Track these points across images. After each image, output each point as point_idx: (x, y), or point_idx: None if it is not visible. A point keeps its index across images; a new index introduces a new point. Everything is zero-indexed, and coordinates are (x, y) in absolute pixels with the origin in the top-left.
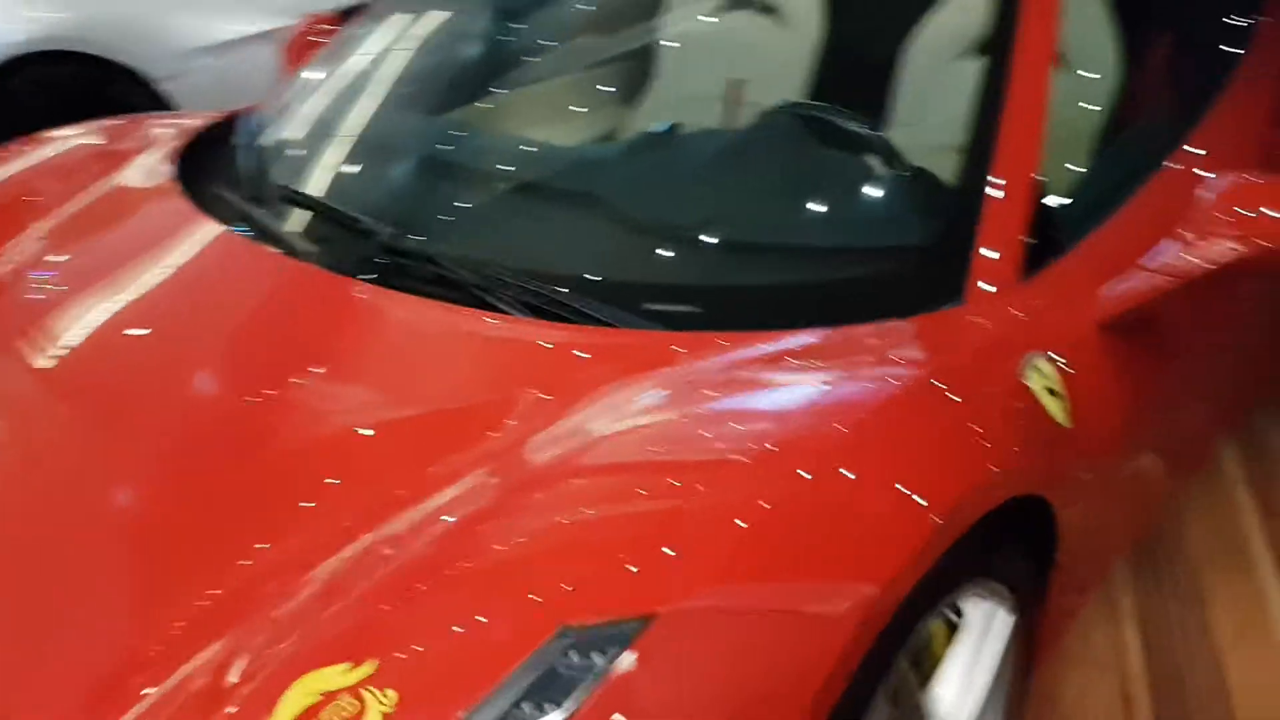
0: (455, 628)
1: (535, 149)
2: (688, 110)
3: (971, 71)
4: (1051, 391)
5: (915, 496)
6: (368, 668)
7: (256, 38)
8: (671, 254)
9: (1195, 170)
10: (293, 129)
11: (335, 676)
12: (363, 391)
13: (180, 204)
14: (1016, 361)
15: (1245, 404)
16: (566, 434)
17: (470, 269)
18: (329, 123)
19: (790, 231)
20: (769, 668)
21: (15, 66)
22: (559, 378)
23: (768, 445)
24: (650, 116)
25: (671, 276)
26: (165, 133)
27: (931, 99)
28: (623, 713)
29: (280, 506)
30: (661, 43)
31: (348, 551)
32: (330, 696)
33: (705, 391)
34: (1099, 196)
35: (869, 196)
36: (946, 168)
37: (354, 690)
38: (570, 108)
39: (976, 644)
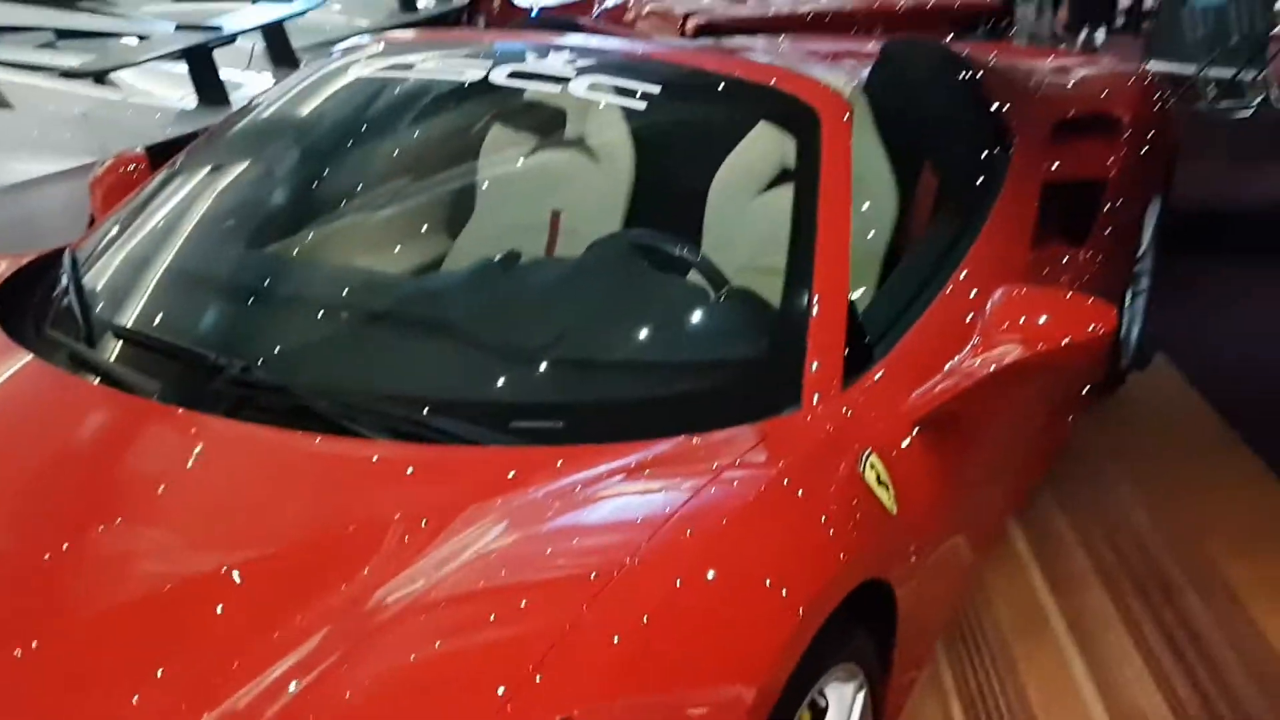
0: None
1: (377, 278)
2: (511, 239)
3: (771, 203)
4: (881, 483)
5: (779, 591)
6: None
7: (51, 178)
8: (523, 374)
9: (973, 285)
10: (125, 267)
11: None
12: (196, 536)
13: (8, 349)
14: (853, 458)
15: (1027, 486)
16: (428, 565)
17: (319, 396)
18: (163, 259)
19: (633, 349)
20: None
21: None
22: (413, 502)
23: (632, 558)
24: (475, 245)
25: (524, 395)
26: None
27: (737, 227)
28: None
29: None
30: (483, 176)
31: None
32: None
33: (563, 507)
34: (896, 311)
35: (705, 315)
36: (764, 288)
37: None
38: (398, 238)
39: None
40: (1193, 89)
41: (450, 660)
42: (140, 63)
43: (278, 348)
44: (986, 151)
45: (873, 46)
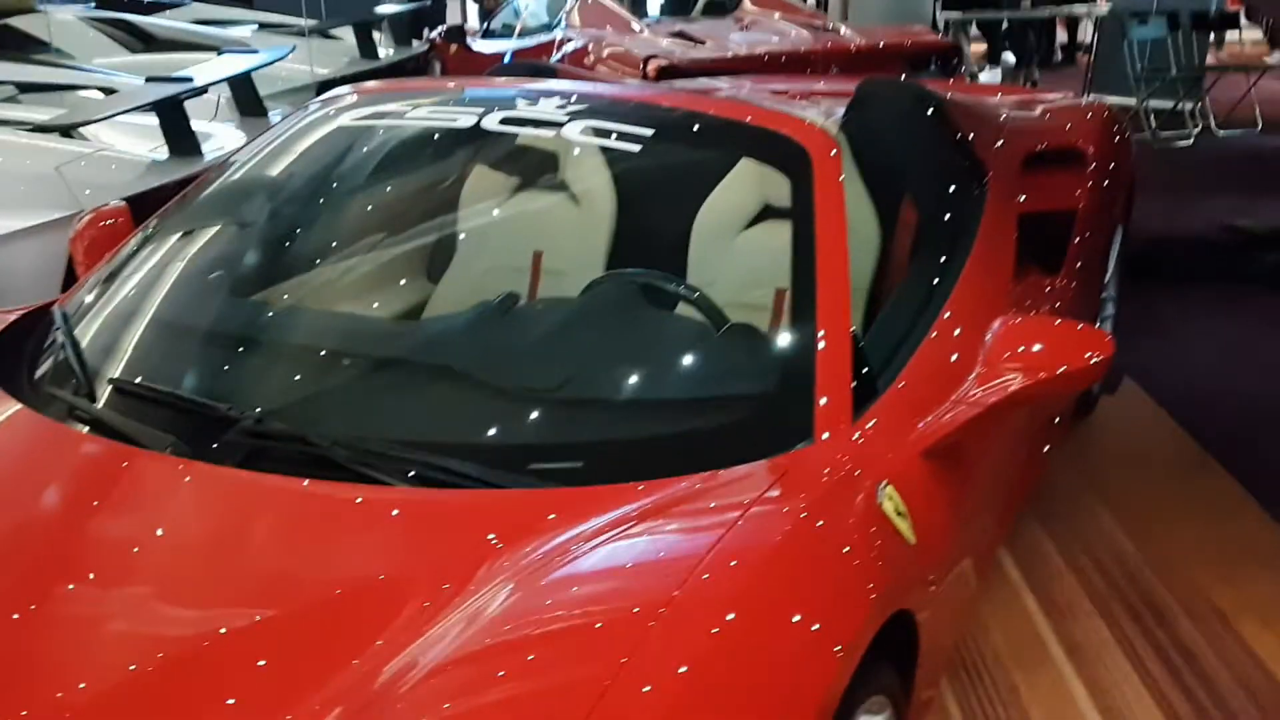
0: None
1: (382, 324)
2: (493, 281)
3: (755, 240)
4: (899, 514)
5: (817, 631)
6: None
7: (23, 232)
8: (539, 415)
9: (964, 316)
10: (121, 321)
11: None
12: (217, 593)
13: (13, 409)
14: (870, 490)
15: (1014, 513)
16: (461, 618)
17: (334, 444)
18: (161, 312)
19: (645, 388)
20: None
21: None
22: (439, 549)
23: (668, 606)
24: (457, 289)
25: (542, 437)
26: None
27: (721, 265)
28: None
29: None
30: (468, 221)
31: None
32: None
33: (592, 553)
34: (893, 344)
35: (712, 352)
36: (755, 324)
37: None
38: (393, 283)
39: None
40: (1134, 120)
41: (495, 713)
42: (114, 115)
43: (287, 397)
44: (965, 186)
45: (827, 85)
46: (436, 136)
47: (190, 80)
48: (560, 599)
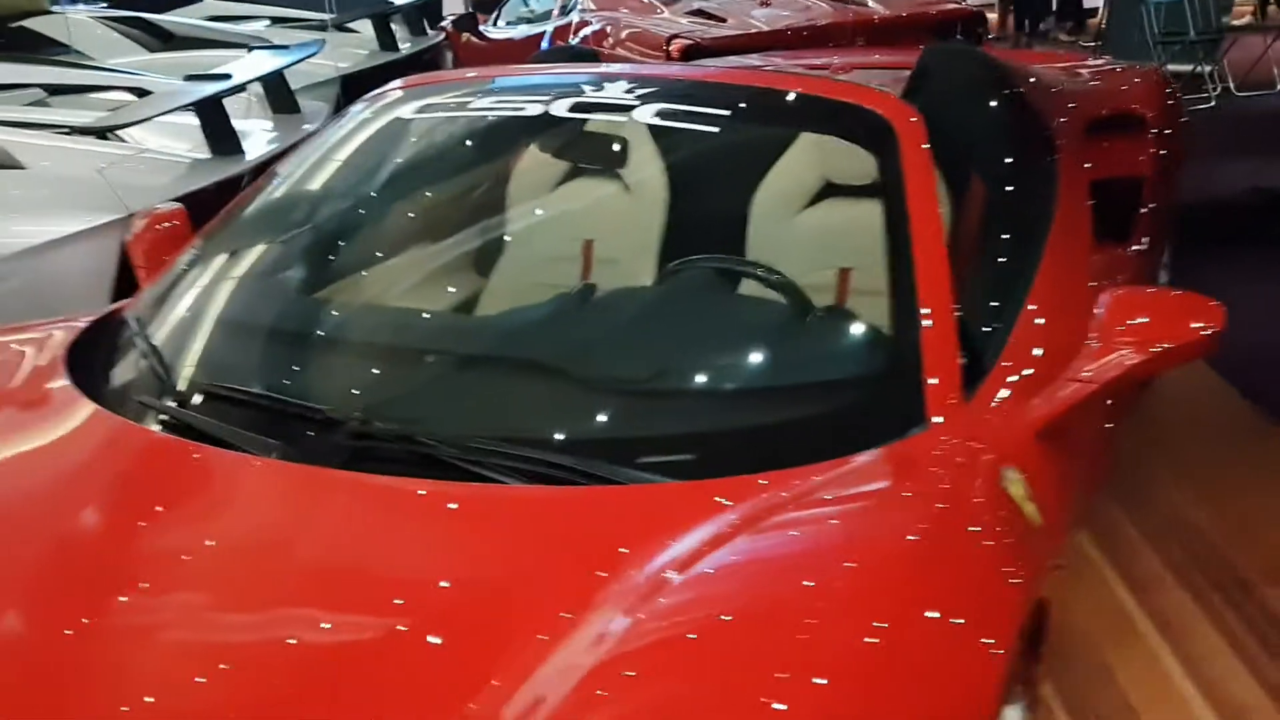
0: None
1: (463, 321)
2: (549, 272)
3: (818, 218)
4: (1025, 496)
5: (972, 629)
6: None
7: (72, 238)
8: (650, 407)
9: (1057, 290)
10: (202, 325)
11: None
12: (361, 595)
13: (110, 422)
14: (993, 474)
15: (1100, 488)
16: (608, 616)
17: (443, 443)
18: (244, 315)
19: (750, 375)
20: None
21: None
22: (575, 546)
23: (825, 601)
24: (512, 281)
25: (655, 429)
26: (30, 350)
27: (782, 246)
28: None
29: None
30: (512, 212)
31: None
32: None
33: (731, 546)
34: (989, 321)
35: (811, 337)
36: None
37: None
38: (456, 277)
39: None
40: None
41: (680, 691)
42: (156, 116)
43: (382, 397)
44: (1039, 155)
45: (862, 58)
46: (506, 126)
47: (229, 78)
48: (700, 601)
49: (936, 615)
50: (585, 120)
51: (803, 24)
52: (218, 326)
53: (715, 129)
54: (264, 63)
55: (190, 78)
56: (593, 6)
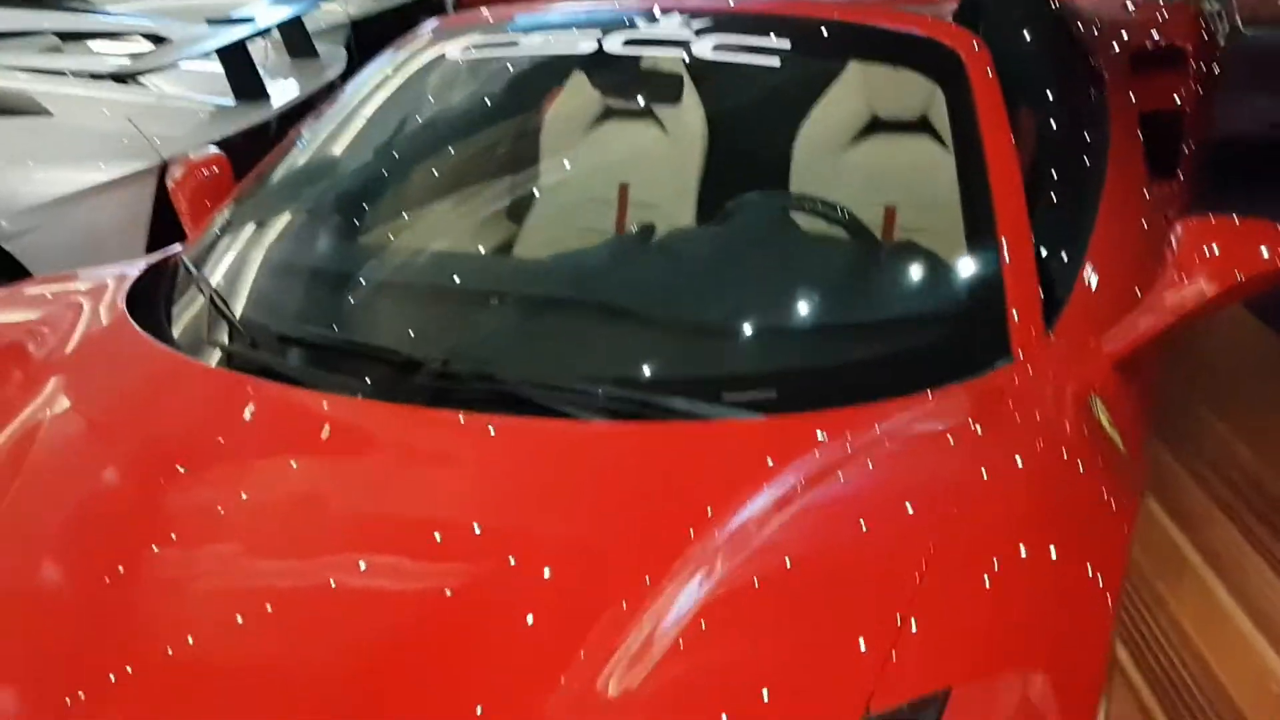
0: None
1: (525, 263)
2: (587, 213)
3: (870, 153)
4: (1111, 425)
5: (1084, 561)
6: None
7: (105, 186)
8: (731, 344)
9: (1121, 222)
10: (266, 269)
11: None
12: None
13: (181, 363)
14: (1084, 405)
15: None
16: (736, 541)
17: (529, 383)
18: (309, 260)
19: (827, 312)
20: None
21: None
22: (689, 478)
23: (944, 532)
24: (548, 226)
25: (739, 366)
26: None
27: (831, 181)
28: None
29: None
30: (547, 154)
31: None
32: None
33: (841, 477)
34: (1062, 253)
35: (890, 273)
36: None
37: None
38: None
39: None
40: None
41: (802, 631)
42: (181, 60)
43: (457, 339)
44: (1091, 88)
45: None
46: (559, 64)
47: (252, 21)
48: (804, 537)
49: (1047, 550)
50: (638, 58)
51: None
52: (284, 270)
53: (773, 62)
54: (280, 6)
55: (212, 22)
56: None
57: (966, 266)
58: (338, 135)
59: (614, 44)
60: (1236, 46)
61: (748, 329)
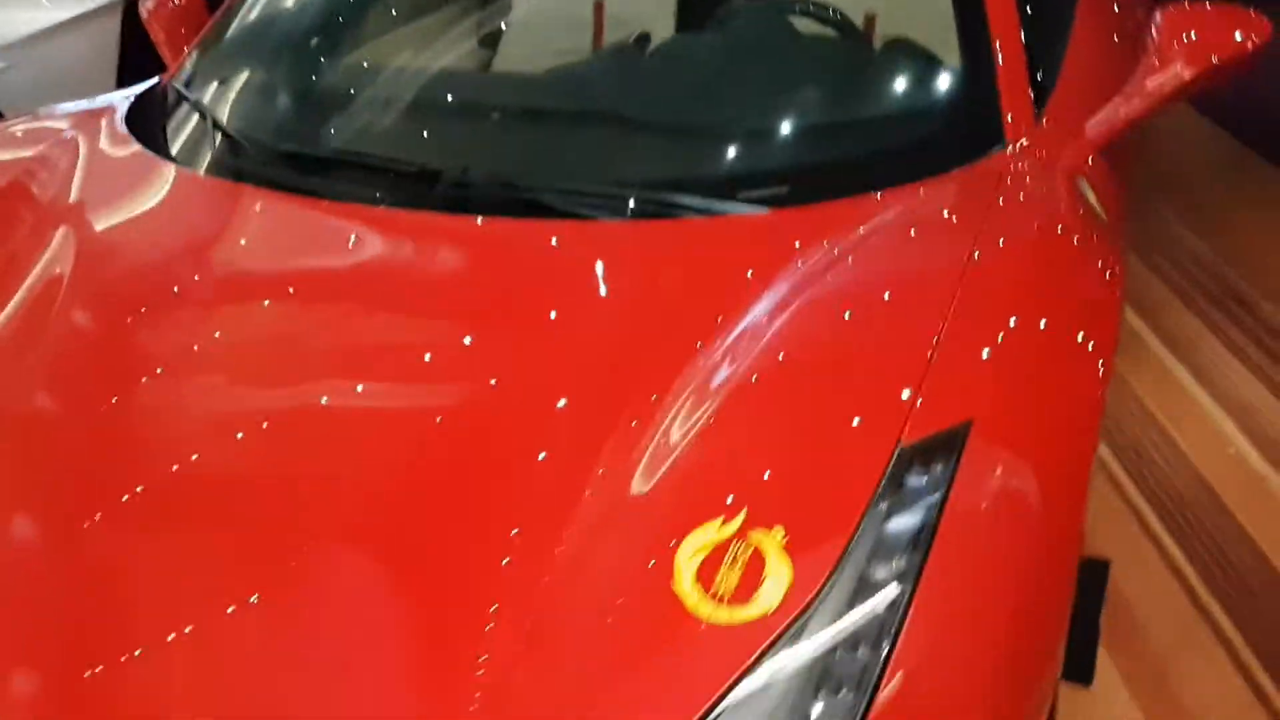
0: (802, 462)
1: (523, 77)
2: (563, 31)
3: None
4: (1097, 204)
5: (1085, 340)
6: (739, 518)
7: (72, 23)
8: (740, 145)
9: (1095, 11)
10: (263, 88)
11: (713, 533)
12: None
13: (198, 180)
14: (1073, 185)
15: None
16: (786, 309)
17: (546, 190)
18: (305, 75)
19: (833, 109)
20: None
21: None
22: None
23: (954, 296)
24: (525, 43)
25: (753, 164)
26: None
27: None
28: (976, 509)
29: (574, 417)
30: None
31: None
32: (722, 546)
33: (862, 252)
34: (1043, 44)
35: (883, 70)
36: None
37: (740, 535)
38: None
39: None
40: None
41: (831, 388)
42: None
43: (479, 150)
44: None
45: None
46: None
47: None
48: (854, 290)
49: (1050, 316)
50: None
51: None
52: (285, 88)
53: None
54: None
55: None
56: None
57: (958, 58)
58: None
59: None
60: None
61: (751, 128)
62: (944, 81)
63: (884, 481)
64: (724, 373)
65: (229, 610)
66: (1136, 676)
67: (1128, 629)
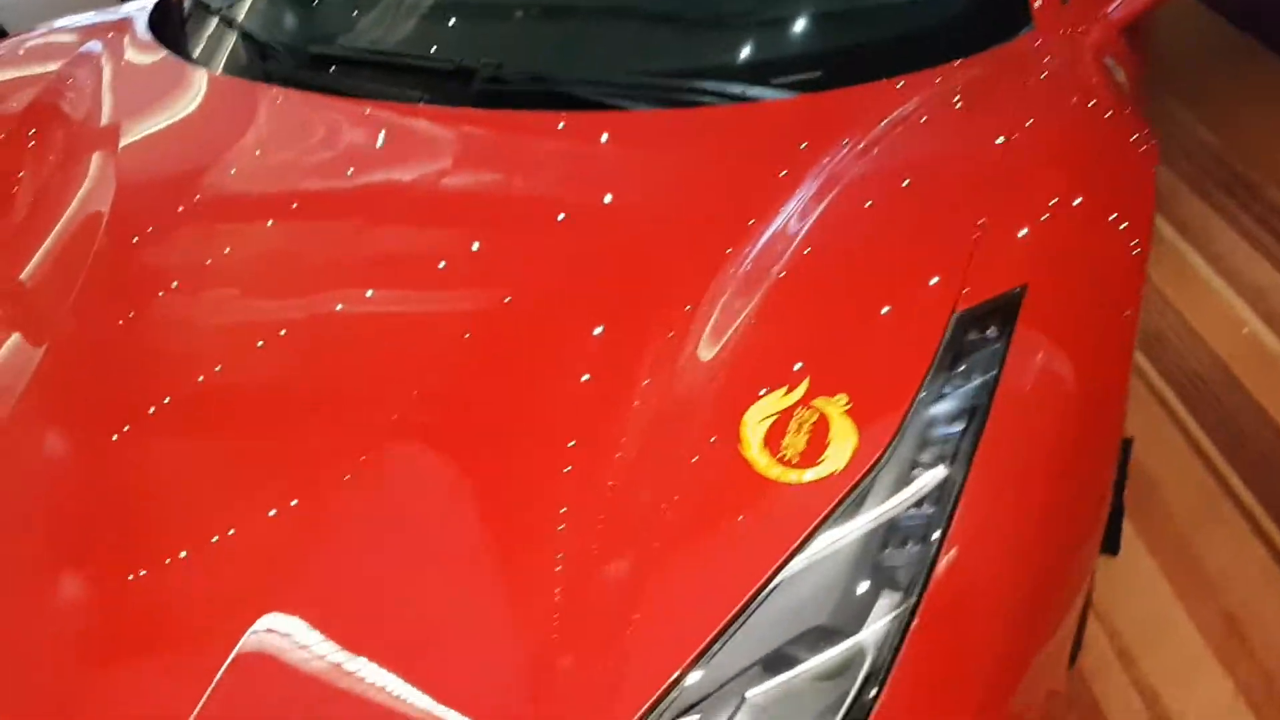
0: (860, 333)
1: None
2: None
3: None
4: (1125, 80)
5: (1128, 215)
6: (803, 386)
7: None
8: (767, 32)
9: None
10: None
11: (777, 402)
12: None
13: (231, 84)
14: (1102, 65)
15: None
16: (831, 190)
17: (581, 83)
18: None
19: None
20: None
21: None
22: (753, 153)
23: (998, 168)
24: None
25: (789, 48)
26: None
27: None
28: (1031, 377)
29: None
30: None
31: (715, 302)
32: (786, 413)
33: (904, 132)
34: None
35: None
36: None
37: (804, 403)
38: None
39: None
40: None
41: (885, 259)
42: None
43: (506, 46)
44: None
45: None
46: None
47: None
48: (900, 166)
49: (1091, 191)
50: None
51: None
52: None
53: None
54: None
55: None
56: None
57: None
58: None
59: None
60: None
61: (778, 12)
62: None
63: (942, 347)
64: (770, 260)
65: (293, 504)
66: (1161, 548)
67: (1151, 503)
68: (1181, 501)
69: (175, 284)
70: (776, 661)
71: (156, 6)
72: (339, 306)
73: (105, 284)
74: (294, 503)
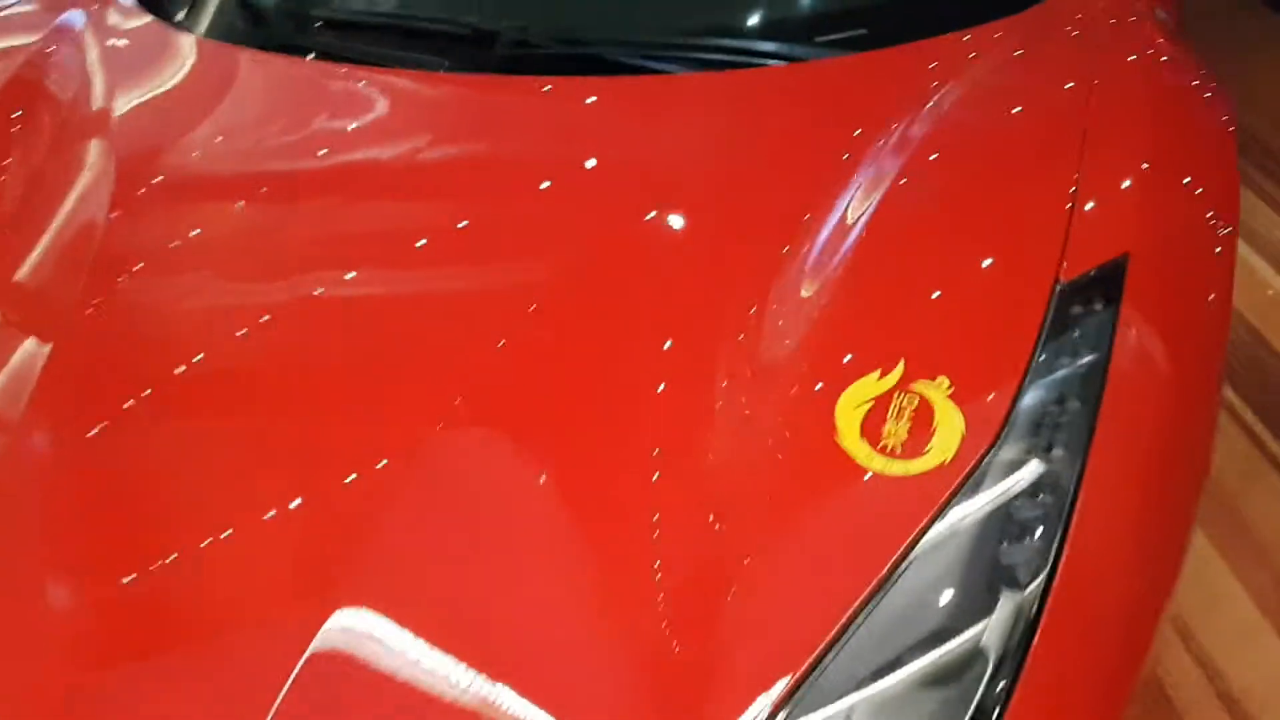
0: (953, 310)
1: None
2: None
3: None
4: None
5: (1218, 179)
6: (898, 369)
7: None
8: None
9: None
10: None
11: (871, 387)
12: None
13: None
14: (1156, 15)
15: None
16: (907, 145)
17: (612, 45)
18: None
19: None
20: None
21: None
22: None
23: (1081, 124)
24: None
25: (825, 8)
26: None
27: None
28: (1141, 342)
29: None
30: None
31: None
32: (883, 399)
33: (963, 87)
34: None
35: None
36: None
37: (901, 387)
38: None
39: None
40: None
41: (970, 221)
42: None
43: (530, 5)
44: None
45: None
46: None
47: None
48: (976, 121)
49: (1177, 152)
50: None
51: None
52: None
53: None
54: None
55: None
56: None
57: None
58: None
59: None
60: None
61: None
62: None
63: (1047, 322)
64: (840, 238)
65: (350, 479)
66: (1208, 517)
67: None
68: (1224, 468)
69: (200, 265)
70: (893, 664)
71: None
72: (388, 289)
73: (116, 267)
74: (370, 489)
